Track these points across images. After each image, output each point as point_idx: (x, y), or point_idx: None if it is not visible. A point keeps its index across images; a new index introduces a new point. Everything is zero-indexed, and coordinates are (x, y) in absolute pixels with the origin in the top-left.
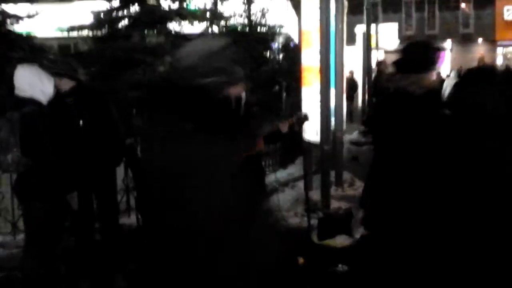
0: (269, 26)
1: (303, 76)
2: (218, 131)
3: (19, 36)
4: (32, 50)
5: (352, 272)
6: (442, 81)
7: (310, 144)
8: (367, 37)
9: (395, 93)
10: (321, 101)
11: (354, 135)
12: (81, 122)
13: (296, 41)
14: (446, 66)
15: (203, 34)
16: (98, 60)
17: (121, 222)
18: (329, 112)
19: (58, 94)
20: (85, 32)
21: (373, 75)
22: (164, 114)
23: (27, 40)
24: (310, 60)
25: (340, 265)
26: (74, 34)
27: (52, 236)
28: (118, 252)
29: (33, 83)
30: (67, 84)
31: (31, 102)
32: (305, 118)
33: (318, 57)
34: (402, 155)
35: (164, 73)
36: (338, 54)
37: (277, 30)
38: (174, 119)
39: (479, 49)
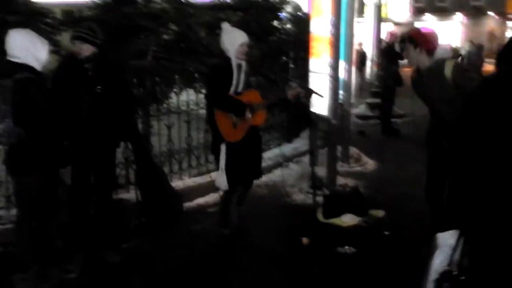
0: None
1: (311, 47)
2: None
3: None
4: (31, 15)
5: (360, 254)
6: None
7: (317, 117)
8: (378, 7)
9: None
10: (330, 73)
11: (361, 109)
12: (98, 90)
13: (305, 10)
14: (457, 39)
15: (211, 2)
16: (101, 26)
17: (120, 197)
18: (338, 85)
19: (77, 59)
20: None
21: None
22: None
23: (26, 4)
24: (319, 30)
25: (347, 247)
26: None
27: (44, 211)
28: (113, 227)
29: (25, 48)
30: (88, 50)
31: (24, 68)
32: (311, 92)
33: (329, 26)
34: None
35: None
36: (349, 24)
37: None
38: None
39: (489, 22)
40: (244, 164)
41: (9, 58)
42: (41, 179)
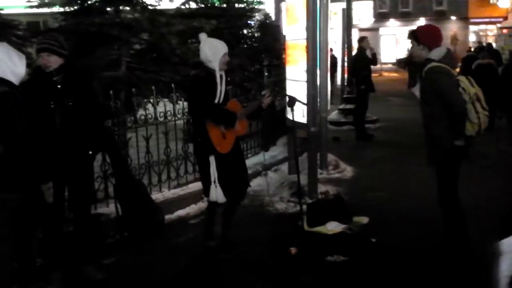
0: (247, 2)
1: (287, 54)
2: None
3: None
4: (0, 26)
5: (351, 263)
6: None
7: (295, 125)
8: (347, 13)
9: None
10: (308, 81)
11: (334, 115)
12: (70, 103)
13: (273, 17)
14: None
15: (180, 10)
16: (70, 37)
17: (99, 211)
18: (316, 92)
19: (44, 72)
20: (55, 8)
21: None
22: None
23: None
24: (295, 37)
25: (336, 256)
26: (44, 10)
27: (26, 229)
28: (92, 243)
29: (2, 61)
30: (56, 62)
31: (1, 82)
32: (294, 100)
33: (304, 33)
34: None
35: None
36: (323, 30)
37: (255, 6)
38: None
39: (452, 26)
40: (233, 175)
41: None
42: (21, 195)
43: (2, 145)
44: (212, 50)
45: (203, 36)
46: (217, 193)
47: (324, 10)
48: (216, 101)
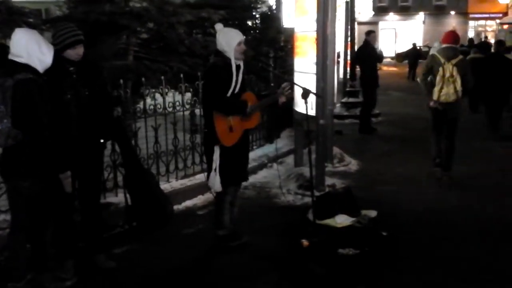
0: None
1: (295, 46)
2: None
3: None
4: (11, 13)
5: (363, 256)
6: (417, 51)
7: (301, 117)
8: (350, 6)
9: None
10: (317, 73)
11: (336, 108)
12: (86, 92)
13: (275, 9)
14: (419, 38)
15: (186, 0)
16: (80, 26)
17: (108, 201)
18: (326, 84)
19: (63, 61)
20: None
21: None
22: None
23: (5, 3)
24: (304, 29)
25: (348, 249)
26: None
27: (41, 218)
28: (102, 232)
29: (30, 48)
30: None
31: (27, 68)
32: (308, 92)
33: (314, 25)
34: None
35: None
36: (331, 22)
37: None
38: None
39: (451, 21)
40: (236, 165)
41: (11, 57)
42: (39, 184)
43: (21, 131)
44: (226, 40)
45: (218, 27)
46: (215, 181)
47: (333, 2)
48: (231, 91)
